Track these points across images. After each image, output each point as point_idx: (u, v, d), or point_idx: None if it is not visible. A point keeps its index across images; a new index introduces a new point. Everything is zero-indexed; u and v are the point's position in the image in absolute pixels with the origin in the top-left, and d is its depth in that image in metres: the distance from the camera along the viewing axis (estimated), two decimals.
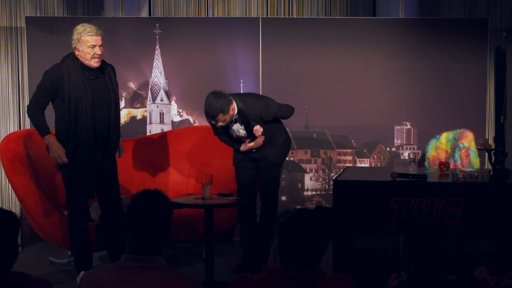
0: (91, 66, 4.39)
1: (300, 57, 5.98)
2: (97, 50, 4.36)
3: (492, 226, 4.01)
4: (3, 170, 4.84)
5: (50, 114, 4.58)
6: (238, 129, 4.78)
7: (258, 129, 4.73)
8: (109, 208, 4.59)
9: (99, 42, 4.37)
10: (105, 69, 4.51)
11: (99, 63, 4.42)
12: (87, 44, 4.33)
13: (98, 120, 4.40)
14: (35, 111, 4.43)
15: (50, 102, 4.48)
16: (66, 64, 4.37)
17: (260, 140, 4.72)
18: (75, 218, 4.46)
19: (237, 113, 4.69)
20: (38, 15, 6.26)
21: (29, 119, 4.59)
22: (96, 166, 4.43)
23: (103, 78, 4.48)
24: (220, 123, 4.64)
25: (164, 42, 5.99)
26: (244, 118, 4.72)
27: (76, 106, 4.33)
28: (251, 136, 4.76)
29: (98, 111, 4.40)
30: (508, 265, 3.90)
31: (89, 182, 4.44)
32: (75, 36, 4.37)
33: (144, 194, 2.49)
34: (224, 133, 4.84)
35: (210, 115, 4.59)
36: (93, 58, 4.36)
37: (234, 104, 4.64)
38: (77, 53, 4.38)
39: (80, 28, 4.39)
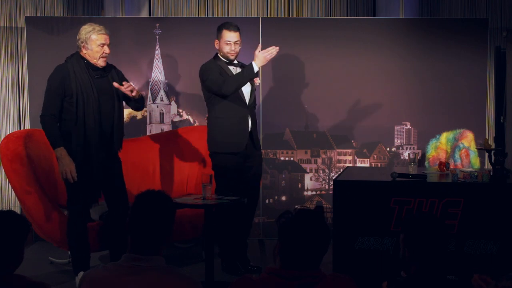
0: (97, 65, 4.42)
1: (300, 57, 5.98)
2: (106, 49, 4.40)
3: (492, 226, 4.00)
4: (3, 170, 4.84)
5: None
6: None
7: (257, 78, 4.87)
8: (115, 208, 4.59)
9: (108, 41, 4.42)
10: (108, 69, 4.52)
11: (106, 62, 4.45)
12: (97, 42, 4.37)
13: (103, 119, 4.42)
14: (48, 119, 4.36)
15: None
16: (70, 64, 4.38)
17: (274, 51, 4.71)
18: (75, 219, 4.46)
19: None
20: (38, 15, 6.26)
21: (38, 126, 4.48)
22: (101, 166, 4.44)
23: (107, 78, 4.49)
24: (235, 47, 4.79)
25: (164, 42, 5.99)
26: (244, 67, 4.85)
27: (84, 105, 4.34)
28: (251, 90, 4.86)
29: (104, 109, 4.42)
30: (508, 265, 3.90)
31: (94, 183, 4.44)
32: (83, 36, 4.39)
33: (148, 195, 2.49)
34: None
35: (230, 28, 4.78)
36: (102, 57, 4.40)
37: None
38: (84, 51, 4.40)
39: (88, 27, 4.42)
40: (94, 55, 4.38)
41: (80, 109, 4.33)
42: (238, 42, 4.81)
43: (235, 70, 4.82)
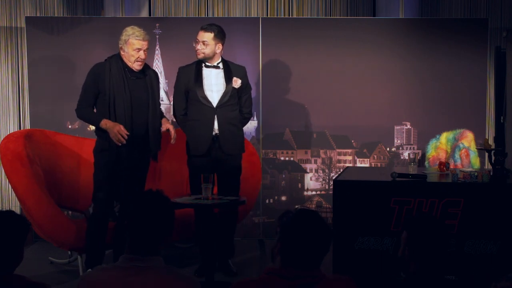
0: (133, 68, 4.51)
1: (300, 57, 5.98)
2: (141, 54, 4.50)
3: (492, 226, 4.00)
4: (3, 170, 4.84)
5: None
6: (217, 76, 4.74)
7: (237, 79, 4.77)
8: (125, 210, 4.58)
9: (145, 47, 4.53)
10: (146, 72, 4.61)
11: (141, 66, 4.55)
12: (133, 47, 4.47)
13: (135, 120, 4.47)
14: (82, 108, 4.52)
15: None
16: (108, 63, 4.51)
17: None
18: (97, 215, 4.50)
19: (221, 61, 4.77)
20: (38, 15, 6.27)
21: (78, 118, 4.68)
22: (131, 165, 4.48)
23: (143, 80, 4.57)
24: (202, 46, 4.66)
25: (164, 42, 5.99)
26: (226, 68, 4.76)
27: (115, 103, 4.42)
28: (226, 93, 4.72)
29: (136, 111, 4.49)
30: (508, 265, 3.90)
31: (120, 181, 4.49)
32: (123, 37, 4.52)
33: (146, 195, 2.48)
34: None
35: (204, 27, 4.67)
36: (137, 61, 4.50)
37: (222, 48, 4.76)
38: (122, 53, 4.52)
39: (129, 30, 4.53)
40: (130, 58, 4.50)
41: (112, 108, 4.42)
42: (206, 43, 4.66)
43: (209, 72, 4.73)
